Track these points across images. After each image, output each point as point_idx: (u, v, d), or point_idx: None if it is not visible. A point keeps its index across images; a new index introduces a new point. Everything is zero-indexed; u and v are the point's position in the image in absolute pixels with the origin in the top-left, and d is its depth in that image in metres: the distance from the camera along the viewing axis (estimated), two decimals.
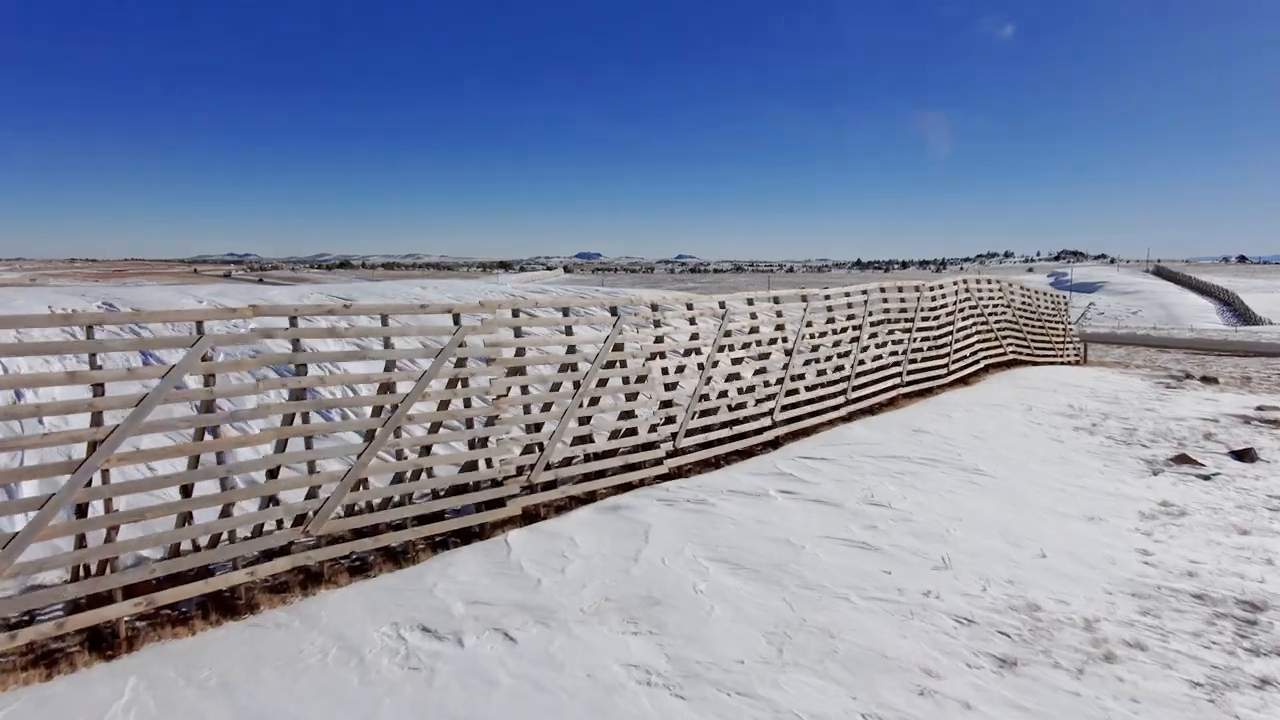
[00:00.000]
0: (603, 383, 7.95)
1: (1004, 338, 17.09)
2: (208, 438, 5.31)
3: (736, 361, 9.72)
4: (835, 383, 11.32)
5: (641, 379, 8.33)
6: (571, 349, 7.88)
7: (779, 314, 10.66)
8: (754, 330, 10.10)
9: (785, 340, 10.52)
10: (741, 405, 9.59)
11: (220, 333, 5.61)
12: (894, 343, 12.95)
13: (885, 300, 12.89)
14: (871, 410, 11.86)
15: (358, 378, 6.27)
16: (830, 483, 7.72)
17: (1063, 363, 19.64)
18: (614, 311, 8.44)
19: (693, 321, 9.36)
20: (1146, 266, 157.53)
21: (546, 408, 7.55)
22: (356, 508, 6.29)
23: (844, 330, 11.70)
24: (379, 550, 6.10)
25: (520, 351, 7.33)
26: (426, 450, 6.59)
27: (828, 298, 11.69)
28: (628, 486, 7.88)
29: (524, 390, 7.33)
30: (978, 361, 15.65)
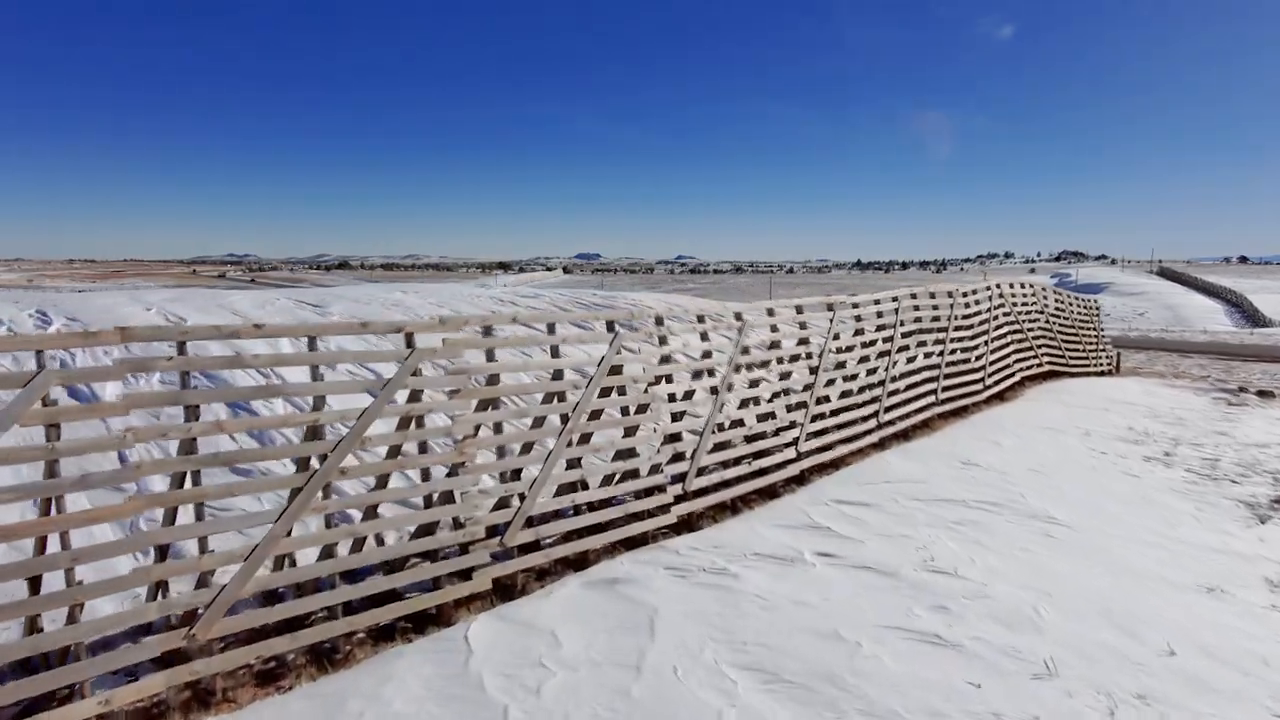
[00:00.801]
0: (596, 415, 6.51)
1: (1039, 347, 15.65)
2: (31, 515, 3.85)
3: (755, 383, 8.27)
4: (865, 404, 9.86)
5: (643, 408, 6.88)
6: (558, 374, 6.43)
7: (802, 325, 9.20)
8: (775, 345, 8.65)
9: (810, 356, 9.07)
10: (760, 435, 8.14)
11: (82, 366, 4.14)
12: (926, 355, 11.50)
13: (917, 309, 11.44)
14: (905, 435, 10.41)
15: (273, 421, 4.80)
16: (877, 539, 6.26)
17: (1097, 372, 18.20)
18: (610, 327, 6.98)
19: (705, 337, 7.91)
20: (1151, 267, 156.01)
21: (527, 449, 6.10)
22: (274, 592, 4.85)
23: (873, 343, 10.25)
24: (303, 651, 4.65)
25: (494, 379, 5.88)
26: (372, 511, 5.15)
27: (856, 306, 10.23)
28: (629, 544, 6.42)
29: (498, 428, 5.87)
30: (1013, 374, 14.20)
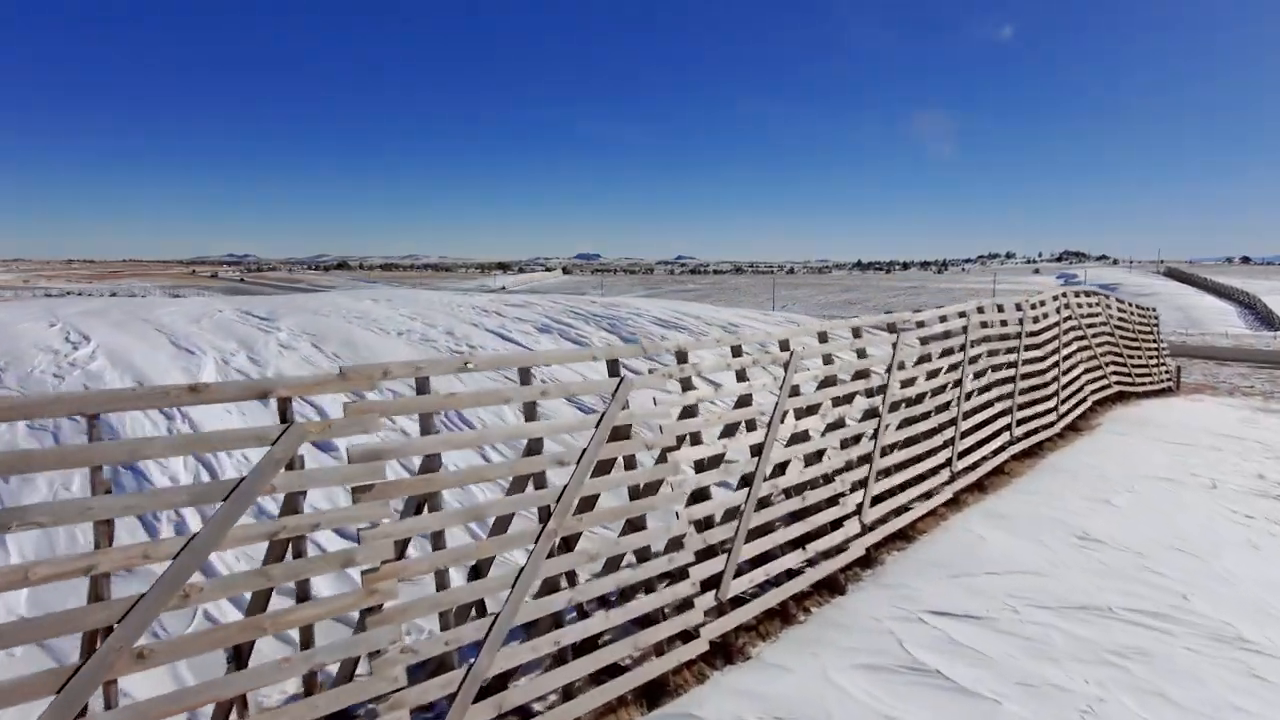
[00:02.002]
0: (589, 503, 4.40)
1: (1106, 364, 13.55)
2: None
3: (804, 436, 6.14)
4: (935, 451, 7.75)
5: (653, 488, 4.77)
6: (535, 446, 4.31)
7: (860, 353, 7.10)
8: (829, 382, 6.54)
9: (871, 393, 6.96)
10: (815, 507, 6.03)
11: None
12: (999, 382, 9.39)
13: (985, 325, 9.34)
14: (981, 485, 8.30)
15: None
16: (1016, 694, 4.15)
17: (1159, 389, 16.10)
18: (614, 369, 4.87)
19: (742, 375, 5.79)
20: (1157, 268, 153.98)
21: (478, 572, 3.98)
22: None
23: (938, 371, 8.15)
24: None
25: (431, 464, 3.78)
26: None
27: (921, 325, 8.12)
28: (644, 696, 4.31)
29: (437, 540, 3.76)
30: (1085, 398, 12.11)
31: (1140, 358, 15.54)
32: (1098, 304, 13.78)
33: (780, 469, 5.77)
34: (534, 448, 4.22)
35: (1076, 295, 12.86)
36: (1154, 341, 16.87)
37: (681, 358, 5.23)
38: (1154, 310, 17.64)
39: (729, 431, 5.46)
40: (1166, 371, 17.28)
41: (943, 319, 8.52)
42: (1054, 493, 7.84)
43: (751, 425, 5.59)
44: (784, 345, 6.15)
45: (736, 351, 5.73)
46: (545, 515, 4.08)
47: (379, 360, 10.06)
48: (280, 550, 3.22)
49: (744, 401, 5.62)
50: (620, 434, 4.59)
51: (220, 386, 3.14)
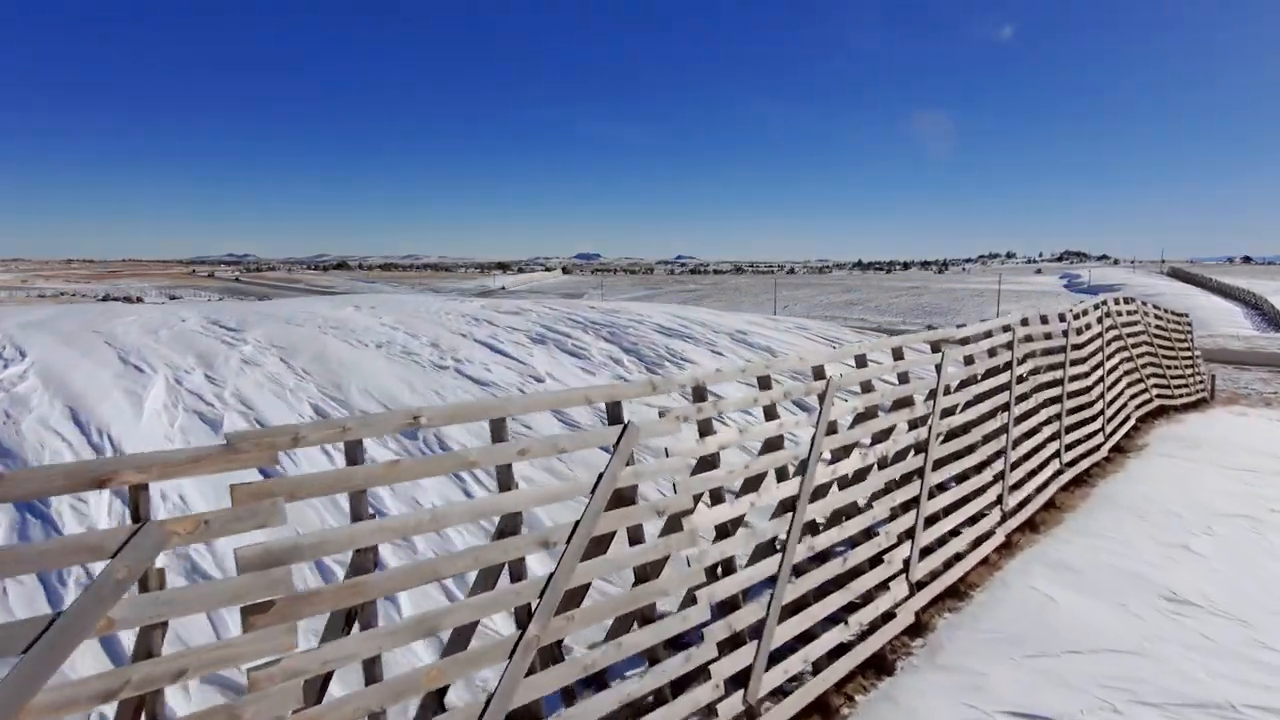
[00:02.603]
0: (578, 595, 3.39)
1: (1147, 376, 12.54)
2: None
3: (839, 485, 5.12)
4: (985, 487, 6.74)
5: (661, 565, 3.76)
6: (511, 524, 3.28)
7: (902, 378, 6.10)
8: (868, 415, 5.52)
9: (915, 425, 5.95)
10: (857, 570, 5.02)
11: None
12: (1045, 404, 8.39)
13: (1029, 339, 8.33)
14: (1033, 525, 7.29)
15: None
16: None
17: (1195, 400, 15.09)
18: (615, 414, 3.84)
19: (771, 412, 4.76)
20: (1160, 268, 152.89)
21: (433, 704, 2.97)
22: None
23: (986, 395, 7.14)
24: None
25: (362, 564, 2.76)
26: None
27: (965, 342, 7.10)
28: None
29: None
30: (1129, 416, 11.10)
31: (1177, 368, 14.53)
32: (1136, 311, 12.78)
33: (815, 526, 4.76)
34: (509, 527, 3.20)
35: (1117, 303, 11.85)
36: (1189, 350, 15.87)
37: (700, 394, 4.21)
38: (1187, 316, 16.65)
39: (752, 485, 4.44)
40: (1200, 381, 16.27)
41: (987, 334, 7.50)
42: (1120, 534, 6.81)
43: (783, 474, 4.58)
44: (818, 373, 5.13)
45: (765, 383, 4.72)
46: (525, 617, 3.06)
47: (352, 377, 9.06)
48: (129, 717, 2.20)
49: (773, 444, 4.60)
50: (624, 498, 3.58)
51: (29, 475, 2.11)
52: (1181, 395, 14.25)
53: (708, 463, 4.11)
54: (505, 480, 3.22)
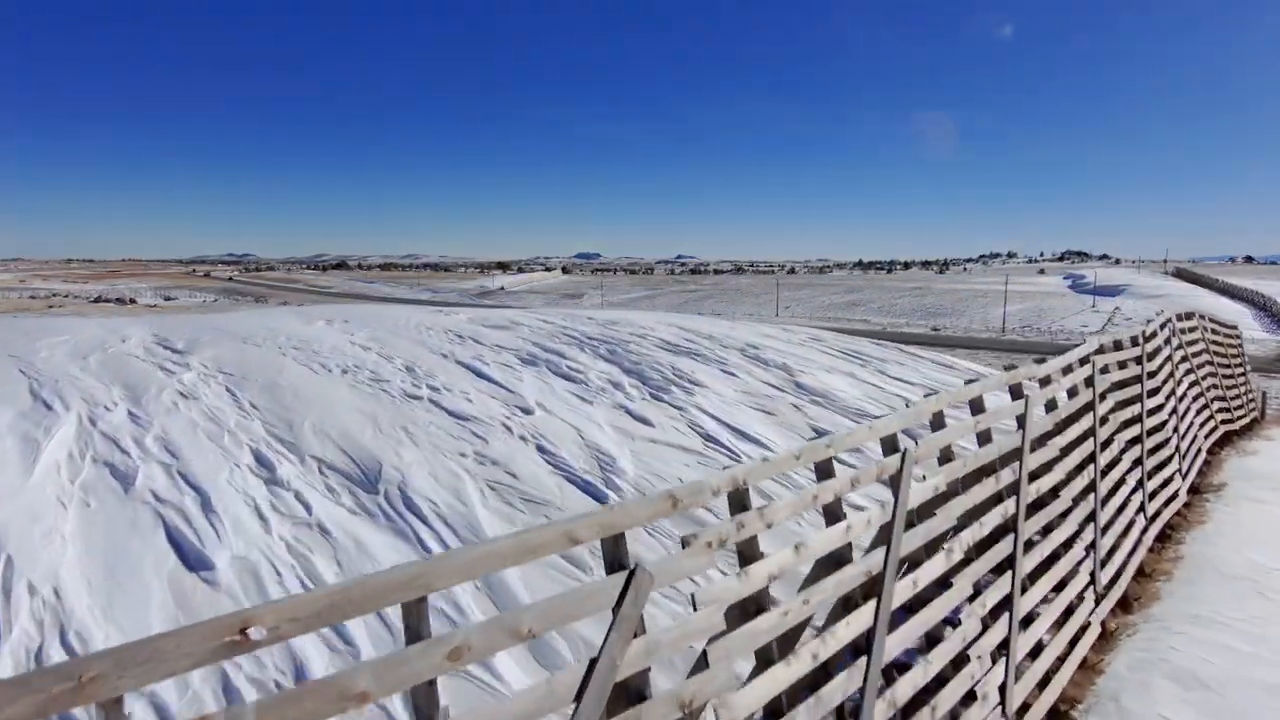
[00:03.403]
0: None
1: (1211, 400, 11.22)
2: None
3: (921, 601, 3.79)
4: (1077, 567, 5.41)
5: None
6: None
7: (984, 439, 4.76)
8: (947, 495, 4.18)
9: (1001, 498, 4.61)
10: (920, 696, 3.68)
11: None
12: (1128, 444, 7.06)
13: (1106, 369, 6.99)
14: (1126, 603, 5.97)
15: None
16: None
17: (1249, 420, 13.77)
18: (614, 557, 2.45)
19: (834, 513, 3.39)
20: (1164, 268, 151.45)
21: None
22: None
23: (1072, 446, 5.81)
24: None
25: None
26: None
27: (1047, 382, 5.76)
28: None
29: None
30: (1199, 450, 9.79)
31: (1235, 387, 13.21)
32: (1196, 327, 11.45)
33: (892, 675, 3.43)
34: None
35: (1179, 318, 10.52)
36: (1241, 366, 14.55)
37: (738, 501, 2.85)
38: (1237, 329, 15.32)
39: (797, 633, 3.08)
40: (1252, 398, 14.95)
41: (1068, 370, 6.16)
42: (1243, 619, 5.48)
43: (849, 603, 3.24)
44: (889, 444, 3.80)
45: (825, 469, 3.36)
46: None
47: (307, 412, 7.73)
48: None
49: (838, 559, 3.26)
50: (631, 692, 2.24)
51: None
52: (1239, 415, 12.94)
53: (751, 608, 2.76)
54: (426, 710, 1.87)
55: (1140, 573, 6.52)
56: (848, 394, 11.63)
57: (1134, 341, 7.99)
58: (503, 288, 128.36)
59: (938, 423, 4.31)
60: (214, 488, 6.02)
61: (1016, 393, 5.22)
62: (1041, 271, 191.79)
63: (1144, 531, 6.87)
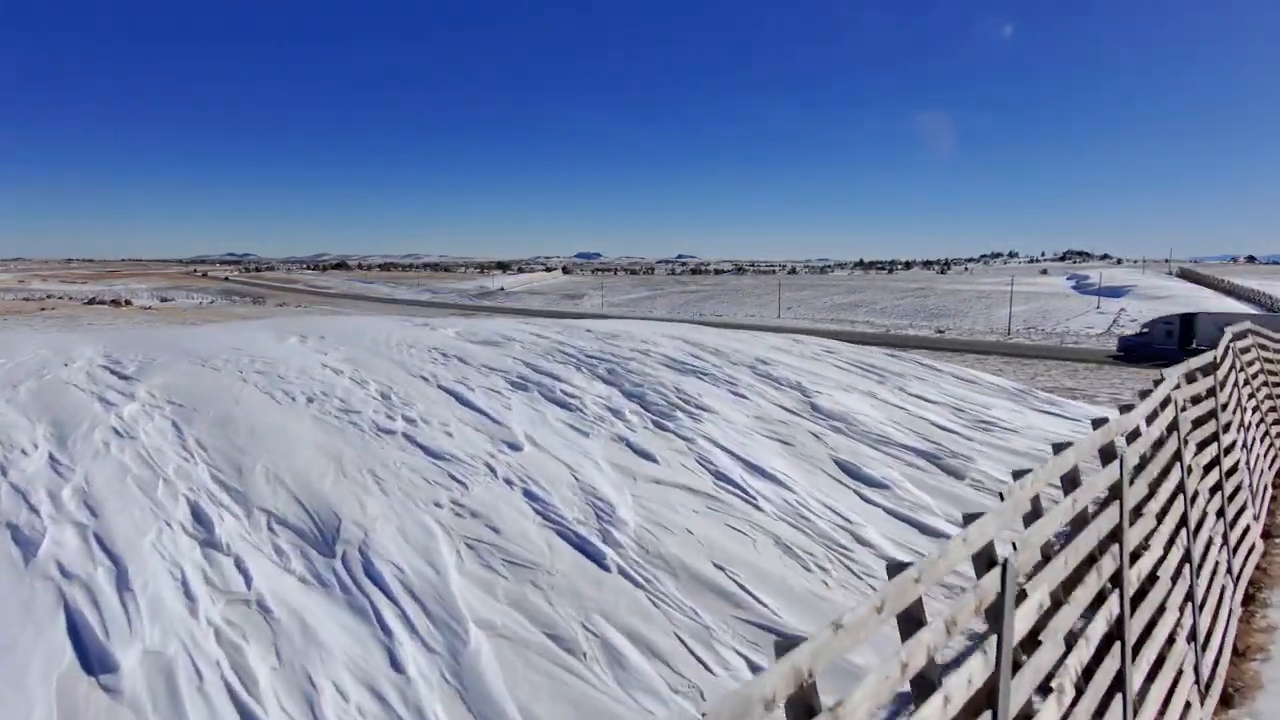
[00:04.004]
0: None
1: (1271, 424, 10.23)
2: None
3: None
4: (1180, 666, 4.41)
5: None
6: None
7: (1078, 521, 3.75)
8: (1053, 608, 3.17)
9: (1102, 599, 3.61)
10: None
11: None
12: (1210, 493, 6.07)
13: (1184, 406, 5.98)
14: (1227, 699, 4.98)
15: None
16: None
17: None
18: None
19: (928, 682, 2.37)
20: (1168, 268, 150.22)
21: None
22: None
23: (1165, 508, 4.81)
24: None
25: None
26: None
27: (1134, 436, 4.74)
28: None
29: None
30: (1267, 485, 8.80)
31: None
32: (1251, 345, 10.46)
33: None
34: None
35: (1239, 336, 9.54)
36: None
37: (803, 708, 1.84)
38: None
39: None
40: None
41: (1151, 417, 5.15)
42: None
43: None
44: (986, 558, 2.79)
45: (913, 618, 2.35)
46: None
47: (260, 452, 6.74)
48: None
49: None
50: None
51: None
52: None
53: None
54: None
55: (1234, 650, 5.53)
56: (869, 417, 10.64)
57: (1206, 370, 7.00)
58: (503, 288, 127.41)
59: (1035, 511, 3.31)
60: (135, 556, 5.04)
61: (1108, 454, 4.23)
62: (1044, 272, 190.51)
63: (1233, 598, 5.88)
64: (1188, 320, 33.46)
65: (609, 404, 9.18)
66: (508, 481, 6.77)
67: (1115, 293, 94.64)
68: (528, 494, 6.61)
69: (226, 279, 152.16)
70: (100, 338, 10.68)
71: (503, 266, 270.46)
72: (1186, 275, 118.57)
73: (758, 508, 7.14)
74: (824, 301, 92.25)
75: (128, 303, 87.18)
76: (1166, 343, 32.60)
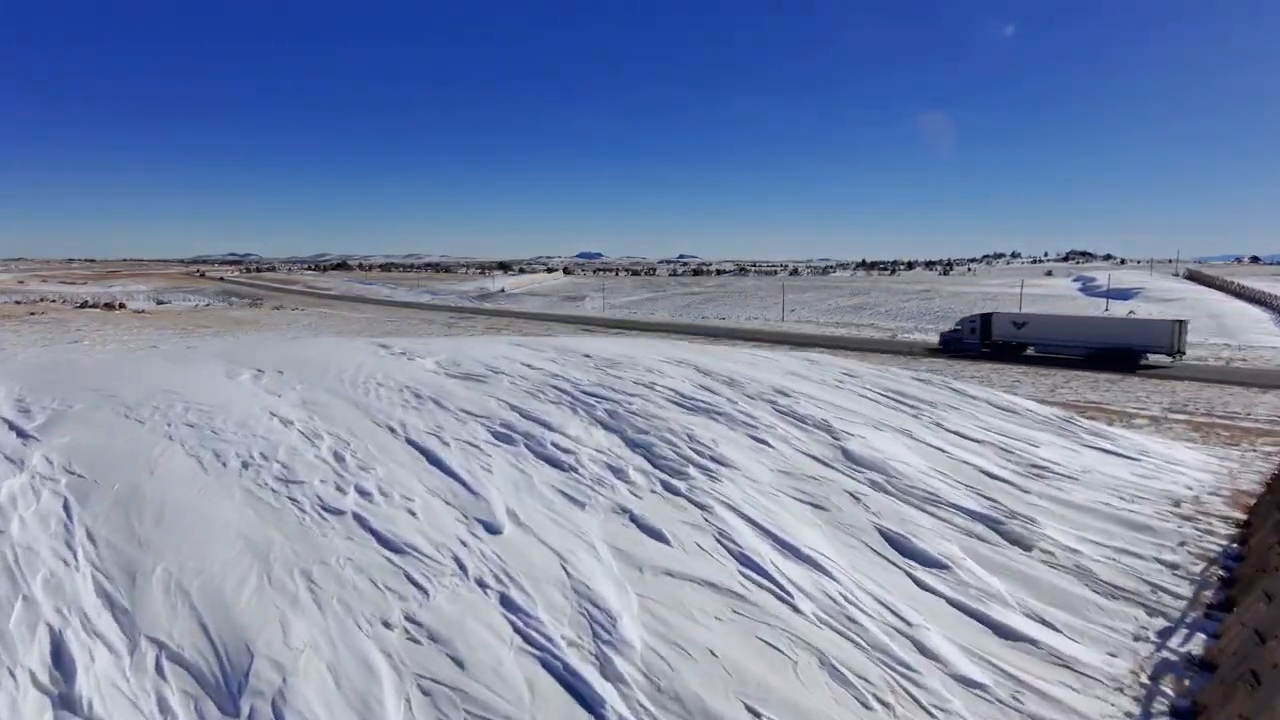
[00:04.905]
0: None
1: None
2: None
3: None
4: None
5: None
6: None
7: None
8: None
9: None
10: None
11: None
12: None
13: None
14: None
15: None
16: None
17: None
18: None
19: None
20: (1174, 269, 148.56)
21: None
22: None
23: None
24: None
25: None
26: None
27: None
28: None
29: None
30: None
31: None
32: None
33: None
34: None
35: None
36: None
37: None
38: None
39: None
40: None
41: None
42: None
43: None
44: None
45: None
46: None
47: (164, 548, 5.28)
48: None
49: None
50: None
51: None
52: None
53: None
54: None
55: None
56: (910, 466, 9.19)
57: None
58: (503, 290, 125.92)
59: None
60: None
61: None
62: (1049, 273, 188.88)
63: None
64: (986, 319, 38.10)
65: (609, 459, 7.72)
66: (481, 583, 5.33)
67: (1123, 295, 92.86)
68: (505, 601, 5.17)
69: (222, 279, 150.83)
70: (21, 375, 9.23)
71: (504, 267, 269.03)
72: (1194, 277, 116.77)
73: (795, 608, 5.70)
74: (828, 304, 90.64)
75: (121, 306, 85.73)
76: (971, 338, 37.18)
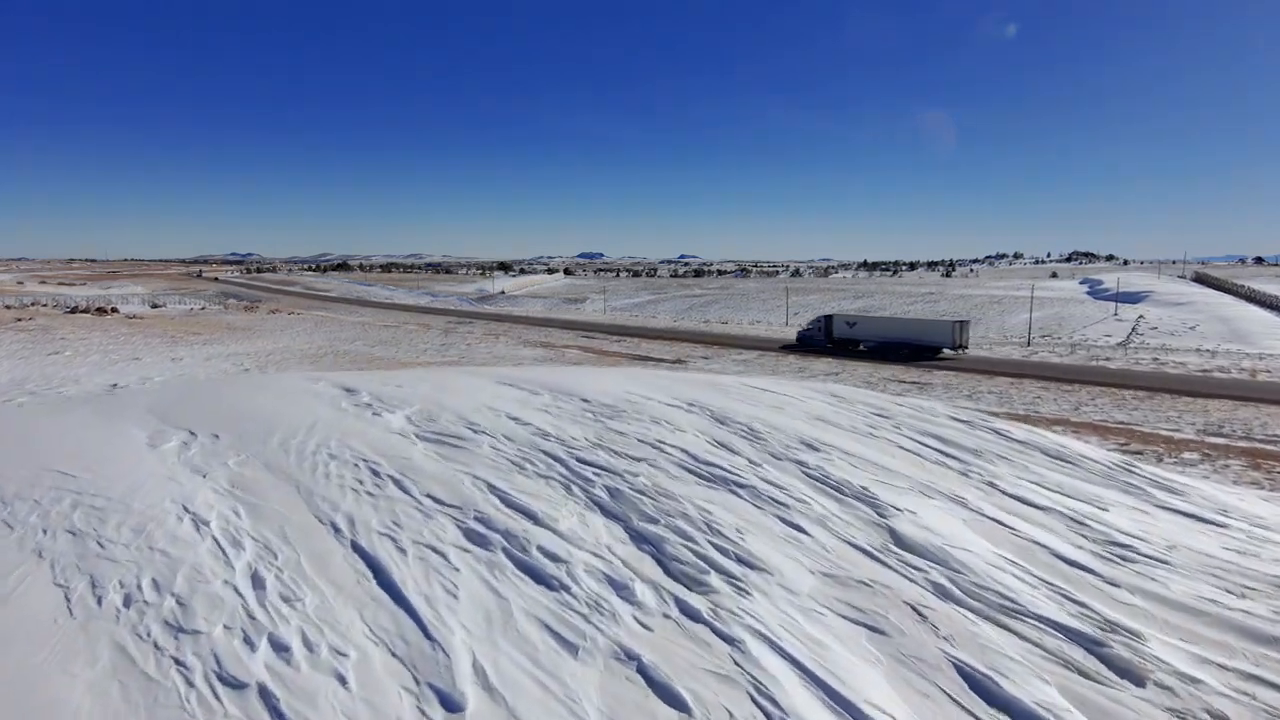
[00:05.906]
0: None
1: None
2: None
3: None
4: None
5: None
6: None
7: None
8: None
9: None
10: None
11: None
12: None
13: None
14: None
15: None
16: None
17: None
18: None
19: None
20: (1183, 270, 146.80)
21: None
22: None
23: None
24: None
25: None
26: None
27: None
28: None
29: None
30: None
31: None
32: None
33: None
34: None
35: None
36: None
37: None
38: None
39: None
40: None
41: None
42: None
43: None
44: None
45: None
46: None
47: None
48: None
49: None
50: None
51: None
52: None
53: None
54: None
55: None
56: (975, 555, 7.57)
57: None
58: (503, 291, 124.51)
59: None
60: None
61: None
62: (1054, 275, 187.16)
63: None
64: (828, 320, 44.93)
65: (610, 568, 6.10)
66: None
67: (1132, 298, 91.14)
68: None
69: (217, 279, 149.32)
70: None
71: (504, 267, 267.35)
72: (1202, 279, 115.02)
73: None
74: (832, 308, 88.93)
75: (114, 310, 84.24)
76: (819, 336, 44.29)
